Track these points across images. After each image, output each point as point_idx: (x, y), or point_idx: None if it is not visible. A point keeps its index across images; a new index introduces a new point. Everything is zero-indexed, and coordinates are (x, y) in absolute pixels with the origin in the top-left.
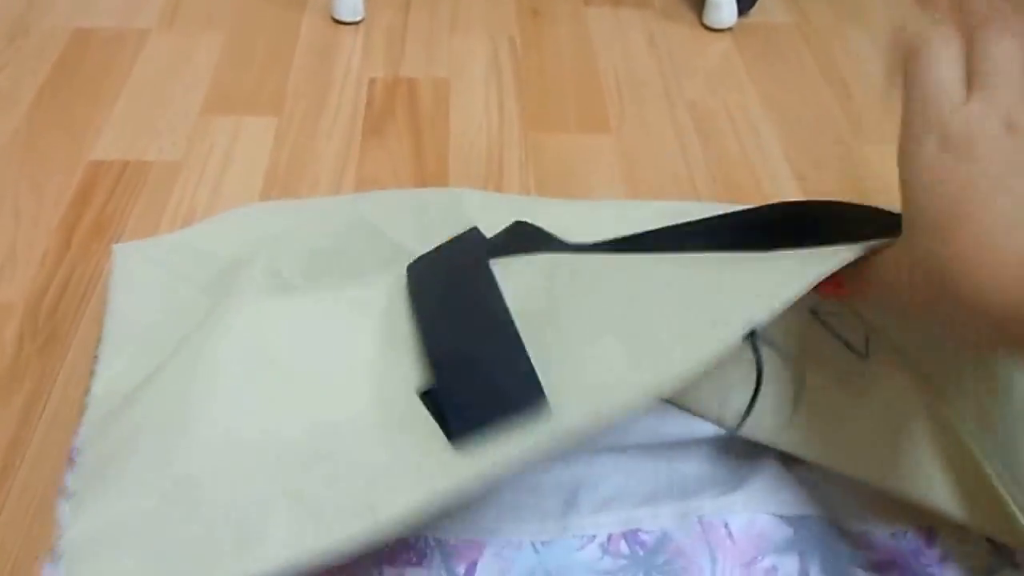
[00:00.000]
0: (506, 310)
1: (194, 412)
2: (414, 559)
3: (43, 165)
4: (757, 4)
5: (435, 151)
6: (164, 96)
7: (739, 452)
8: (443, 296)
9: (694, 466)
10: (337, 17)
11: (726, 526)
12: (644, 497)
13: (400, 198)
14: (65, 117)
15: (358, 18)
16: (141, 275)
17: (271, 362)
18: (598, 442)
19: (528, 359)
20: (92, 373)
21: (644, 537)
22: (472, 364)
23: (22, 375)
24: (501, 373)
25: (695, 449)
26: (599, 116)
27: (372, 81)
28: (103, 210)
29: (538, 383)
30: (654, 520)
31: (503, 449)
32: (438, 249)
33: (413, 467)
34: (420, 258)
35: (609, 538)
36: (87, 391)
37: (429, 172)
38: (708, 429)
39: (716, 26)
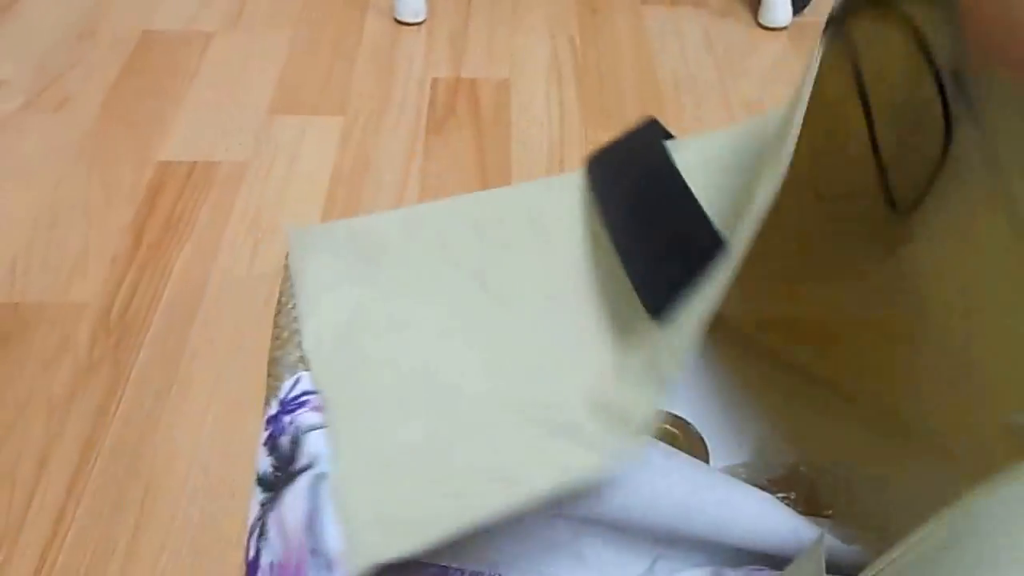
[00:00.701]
0: (679, 178)
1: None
2: None
3: (113, 166)
4: (812, 3)
5: (497, 149)
6: (231, 97)
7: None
8: (621, 186)
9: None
10: (399, 18)
11: None
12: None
13: None
14: (133, 118)
15: (420, 19)
16: (318, 249)
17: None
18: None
19: (704, 216)
20: (299, 332)
21: None
22: (652, 240)
23: (96, 374)
24: (681, 239)
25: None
26: (657, 114)
27: (435, 81)
28: (172, 210)
29: (716, 233)
30: None
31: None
32: (617, 140)
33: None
34: (599, 150)
35: None
36: (299, 346)
37: (491, 170)
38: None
39: (771, 25)
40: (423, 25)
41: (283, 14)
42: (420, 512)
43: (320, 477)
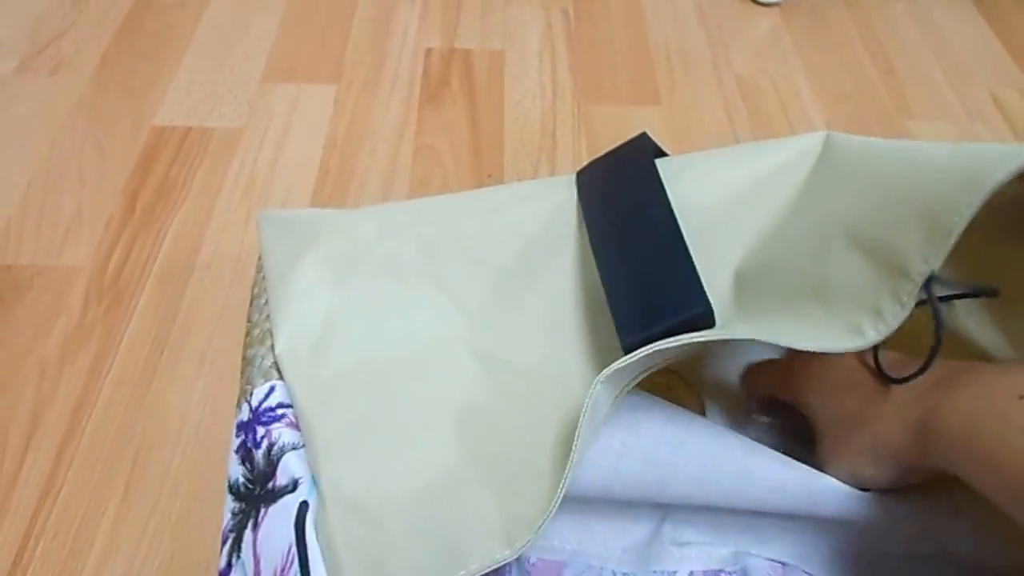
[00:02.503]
0: (673, 219)
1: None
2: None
3: (107, 130)
4: None
5: (490, 120)
6: (225, 63)
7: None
8: (611, 211)
9: (778, 520)
10: None
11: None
12: (727, 540)
13: None
14: (128, 82)
15: None
16: (287, 240)
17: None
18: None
19: (696, 274)
20: (270, 333)
21: None
22: (640, 279)
23: (88, 337)
24: (670, 288)
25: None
26: (649, 88)
27: (428, 51)
28: (166, 175)
29: (706, 298)
30: (736, 561)
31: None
32: (607, 156)
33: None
34: (588, 166)
35: (691, 575)
36: (272, 349)
37: (484, 141)
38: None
39: (765, 1)
40: None
41: None
42: (411, 566)
43: (304, 506)
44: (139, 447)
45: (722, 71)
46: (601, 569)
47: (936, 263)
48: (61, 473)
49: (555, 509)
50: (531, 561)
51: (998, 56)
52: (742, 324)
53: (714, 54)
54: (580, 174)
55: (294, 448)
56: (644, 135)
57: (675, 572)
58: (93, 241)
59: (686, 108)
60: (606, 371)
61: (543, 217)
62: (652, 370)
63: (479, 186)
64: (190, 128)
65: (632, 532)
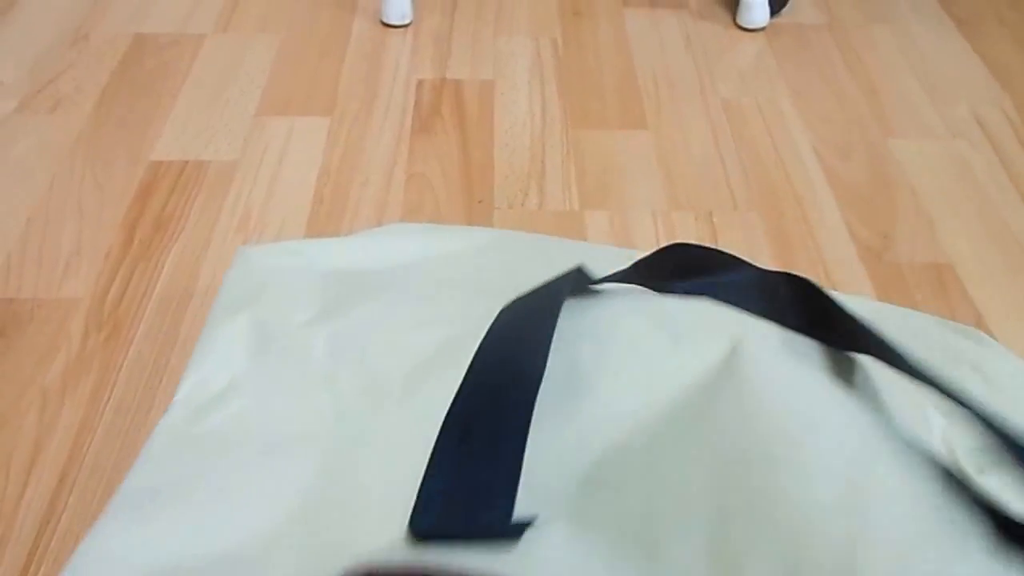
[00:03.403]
0: (533, 384)
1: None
2: None
3: (106, 165)
4: (789, 5)
5: (481, 149)
6: (220, 98)
7: None
8: (487, 356)
9: None
10: (386, 20)
11: None
12: None
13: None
14: (126, 119)
15: (406, 21)
16: (240, 287)
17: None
18: None
19: (515, 485)
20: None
21: None
22: (464, 460)
23: (88, 366)
24: (484, 487)
25: None
26: (637, 113)
27: (420, 82)
28: (163, 208)
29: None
30: None
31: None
32: (533, 290)
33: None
34: (516, 299)
35: None
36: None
37: (475, 169)
38: None
39: (749, 26)
40: (409, 27)
41: (272, 17)
42: None
43: None
44: None
45: (708, 95)
46: None
47: None
48: (62, 499)
49: None
50: None
51: (980, 75)
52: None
53: (700, 79)
54: (503, 309)
55: None
56: (578, 270)
57: None
58: (92, 273)
59: (673, 132)
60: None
61: (447, 345)
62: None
63: (470, 212)
64: (186, 162)
65: None
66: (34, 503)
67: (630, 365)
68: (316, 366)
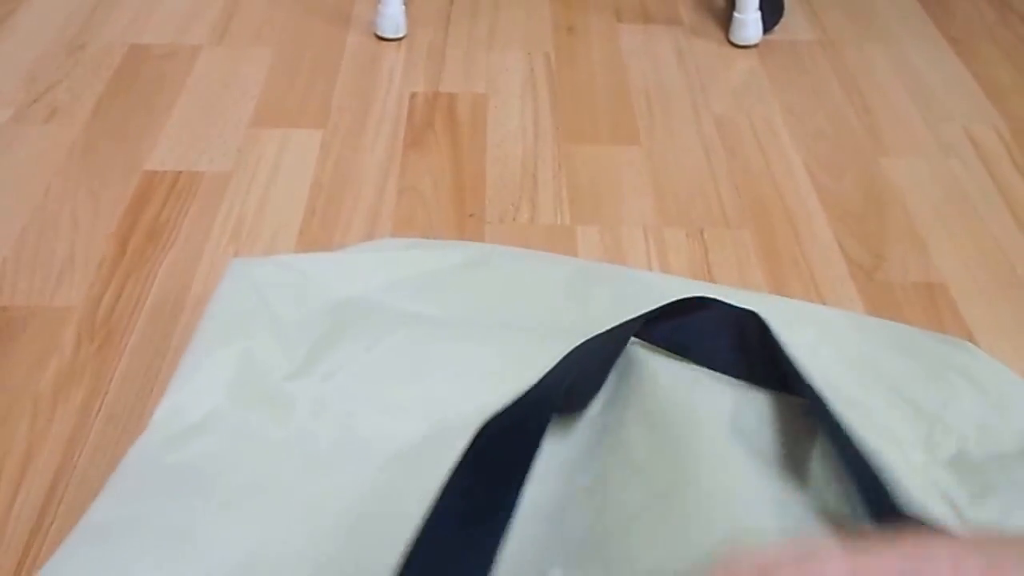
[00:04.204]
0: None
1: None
2: None
3: (100, 175)
4: (782, 22)
5: (472, 162)
6: (215, 109)
7: None
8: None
9: None
10: (380, 34)
11: None
12: None
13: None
14: (121, 129)
15: (400, 35)
16: (238, 313)
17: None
18: None
19: None
20: (161, 396)
21: None
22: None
23: (80, 375)
24: None
25: None
26: (629, 129)
27: (413, 95)
28: (157, 218)
29: None
30: None
31: None
32: (513, 404)
33: None
34: (496, 415)
35: None
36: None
37: (467, 182)
38: None
39: (742, 43)
40: (403, 41)
41: (267, 30)
42: None
43: None
44: None
45: (700, 112)
46: None
47: None
48: (52, 508)
49: None
50: None
51: (973, 94)
52: None
53: (692, 95)
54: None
55: None
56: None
57: None
58: (85, 282)
59: (665, 148)
60: None
61: (431, 434)
62: None
63: (462, 226)
64: (180, 172)
65: None
66: (24, 511)
67: None
68: (296, 424)
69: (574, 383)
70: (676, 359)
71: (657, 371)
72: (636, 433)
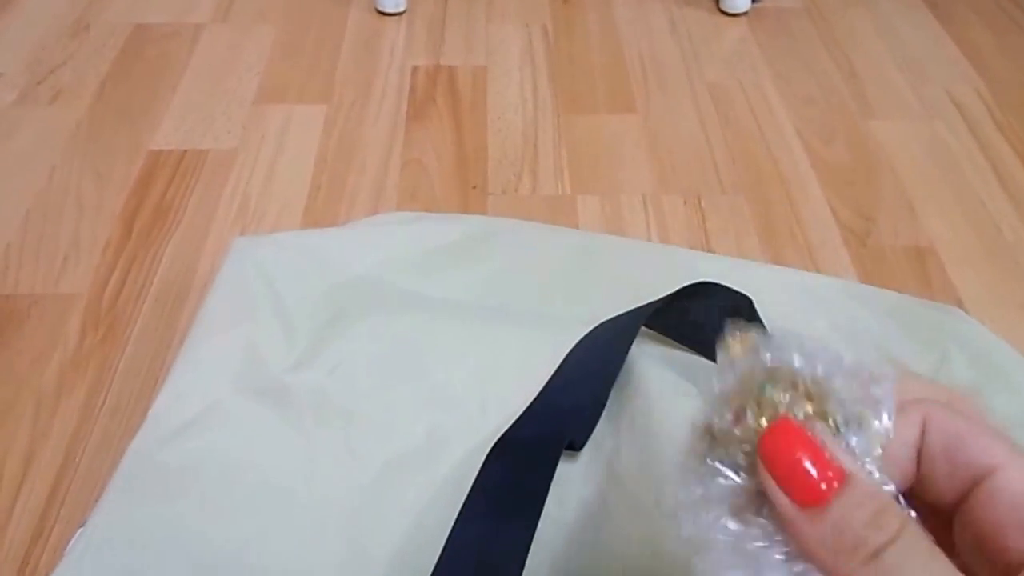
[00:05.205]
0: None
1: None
2: None
3: (105, 155)
4: None
5: (474, 134)
6: (219, 87)
7: None
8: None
9: None
10: (381, 9)
11: None
12: None
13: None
14: (125, 109)
15: (401, 9)
16: (243, 297)
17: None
18: None
19: None
20: (162, 384)
21: None
22: None
23: (85, 367)
24: None
25: None
26: (626, 98)
27: (415, 69)
28: (163, 198)
29: None
30: None
31: None
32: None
33: None
34: (505, 441)
35: None
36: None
37: (469, 154)
38: None
39: (732, 11)
40: (404, 16)
41: (270, 7)
42: None
43: None
44: None
45: (694, 79)
46: None
47: None
48: (55, 508)
49: None
50: None
51: (953, 57)
52: None
53: (686, 64)
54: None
55: None
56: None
57: None
58: (91, 267)
59: (661, 116)
60: None
61: (433, 436)
62: None
63: (465, 198)
64: (185, 151)
65: None
66: (28, 506)
67: None
68: (297, 422)
69: (579, 407)
70: (670, 347)
71: (648, 379)
72: (626, 447)
